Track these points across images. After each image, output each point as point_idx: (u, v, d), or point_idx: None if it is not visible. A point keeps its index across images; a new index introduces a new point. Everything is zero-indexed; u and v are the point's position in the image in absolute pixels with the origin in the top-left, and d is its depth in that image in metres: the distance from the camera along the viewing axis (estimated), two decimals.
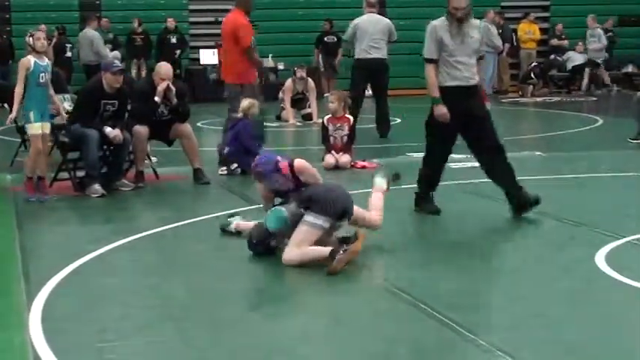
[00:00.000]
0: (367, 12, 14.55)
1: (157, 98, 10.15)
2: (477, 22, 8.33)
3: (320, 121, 12.98)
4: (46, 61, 9.39)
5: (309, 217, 6.55)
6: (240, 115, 10.96)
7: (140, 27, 22.79)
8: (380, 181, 7.56)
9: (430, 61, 8.12)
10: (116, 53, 21.41)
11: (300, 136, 16.20)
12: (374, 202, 7.34)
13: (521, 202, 8.19)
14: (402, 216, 8.16)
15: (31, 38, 9.30)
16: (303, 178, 6.87)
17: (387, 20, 14.67)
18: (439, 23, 8.12)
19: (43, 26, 21.25)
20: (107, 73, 9.81)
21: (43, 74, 9.26)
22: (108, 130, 9.64)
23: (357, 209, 6.98)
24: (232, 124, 11.03)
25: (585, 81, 24.13)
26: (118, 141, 9.68)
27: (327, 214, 6.57)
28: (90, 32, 20.44)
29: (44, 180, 9.53)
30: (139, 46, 22.71)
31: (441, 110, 8.04)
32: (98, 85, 9.86)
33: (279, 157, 7.00)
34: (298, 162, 6.91)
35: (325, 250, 6.42)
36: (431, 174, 8.41)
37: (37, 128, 9.24)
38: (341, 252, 6.31)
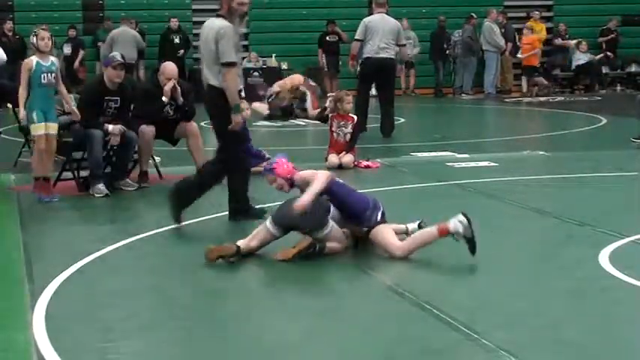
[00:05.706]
0: (377, 12, 14.59)
1: (164, 98, 10.13)
2: None
3: None
4: (50, 61, 9.30)
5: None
6: None
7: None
8: (455, 224, 6.63)
9: None
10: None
11: (302, 136, 16.20)
12: (421, 235, 6.83)
13: None
14: (404, 216, 8.15)
15: (35, 38, 9.29)
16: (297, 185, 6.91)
17: (396, 21, 14.72)
18: None
19: (45, 27, 21.43)
20: (108, 68, 9.83)
21: (46, 74, 9.19)
22: (111, 127, 9.63)
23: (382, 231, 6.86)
24: None
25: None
26: (114, 142, 9.68)
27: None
28: (132, 31, 20.12)
29: (49, 181, 9.50)
30: None
31: None
32: (100, 82, 9.88)
33: (277, 160, 6.99)
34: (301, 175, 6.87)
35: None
36: None
37: (41, 128, 9.20)
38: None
